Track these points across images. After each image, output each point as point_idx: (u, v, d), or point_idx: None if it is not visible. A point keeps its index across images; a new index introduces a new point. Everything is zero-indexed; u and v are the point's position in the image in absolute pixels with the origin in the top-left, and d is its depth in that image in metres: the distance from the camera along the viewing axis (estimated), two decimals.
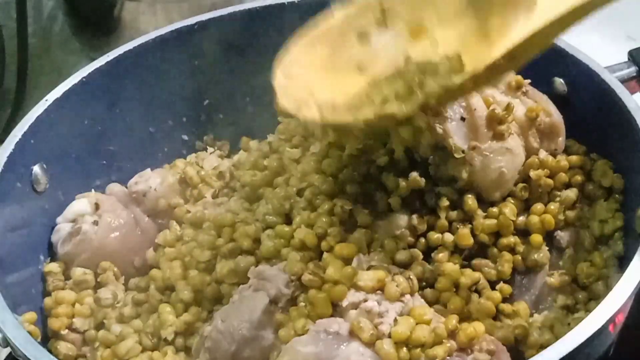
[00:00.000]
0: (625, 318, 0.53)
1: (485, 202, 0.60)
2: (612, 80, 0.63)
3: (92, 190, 0.71)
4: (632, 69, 0.70)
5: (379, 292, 0.54)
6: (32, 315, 0.59)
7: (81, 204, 0.67)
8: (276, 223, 0.61)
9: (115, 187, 0.71)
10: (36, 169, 0.65)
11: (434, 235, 0.59)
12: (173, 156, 0.78)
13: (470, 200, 0.59)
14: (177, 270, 0.62)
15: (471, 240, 0.59)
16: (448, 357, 0.51)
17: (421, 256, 0.58)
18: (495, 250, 0.60)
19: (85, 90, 0.70)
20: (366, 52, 0.59)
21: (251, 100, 0.80)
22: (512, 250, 0.60)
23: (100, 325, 0.63)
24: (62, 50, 1.07)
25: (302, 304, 0.55)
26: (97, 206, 0.67)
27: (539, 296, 0.60)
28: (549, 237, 0.61)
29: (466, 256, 0.60)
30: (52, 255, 0.66)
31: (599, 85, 0.63)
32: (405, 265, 0.57)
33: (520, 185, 0.61)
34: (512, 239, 0.59)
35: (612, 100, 0.62)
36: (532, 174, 0.61)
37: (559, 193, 0.62)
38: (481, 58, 0.50)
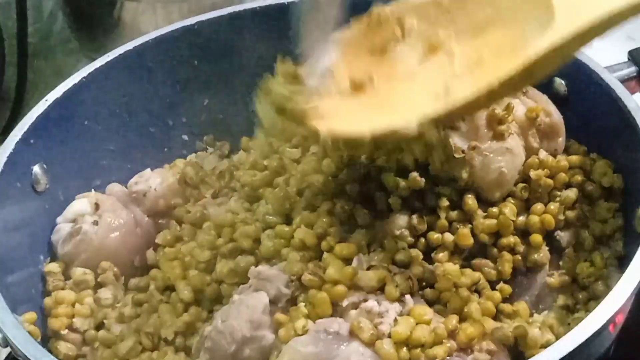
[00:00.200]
0: (625, 318, 0.53)
1: (485, 202, 0.60)
2: (612, 80, 0.63)
3: (92, 190, 0.71)
4: (632, 69, 0.69)
5: (379, 292, 0.54)
6: (32, 315, 0.59)
7: (81, 204, 0.67)
8: (276, 223, 0.61)
9: (115, 187, 0.71)
10: (36, 169, 0.65)
11: (434, 235, 0.59)
12: (173, 156, 0.78)
13: (470, 200, 0.59)
14: (177, 270, 0.62)
15: (471, 240, 0.59)
16: (448, 357, 0.51)
17: (421, 256, 0.58)
18: (495, 250, 0.60)
19: (85, 90, 0.70)
20: (380, 65, 0.58)
21: (251, 100, 0.80)
22: (512, 250, 0.60)
23: (100, 325, 0.63)
24: (62, 50, 1.07)
25: (302, 304, 0.55)
26: (97, 206, 0.67)
27: (539, 296, 0.60)
28: (549, 237, 0.61)
29: (466, 256, 0.60)
30: (52, 255, 0.66)
31: (599, 85, 0.63)
32: (405, 265, 0.57)
33: (520, 185, 0.61)
34: (512, 239, 0.59)
35: (612, 100, 0.62)
36: (532, 174, 0.61)
37: (559, 193, 0.62)
38: (497, 74, 0.50)
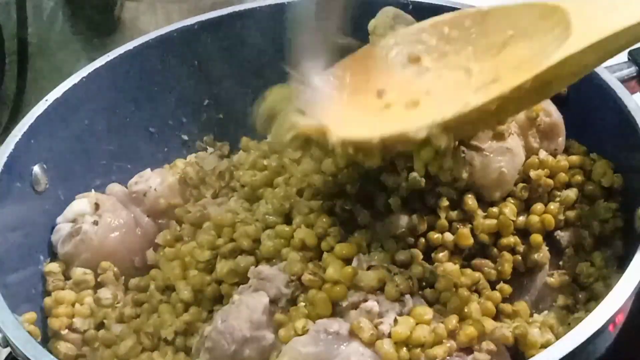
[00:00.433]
0: (625, 318, 0.53)
1: (485, 202, 0.60)
2: (612, 80, 0.63)
3: (92, 190, 0.71)
4: (632, 69, 0.70)
5: (379, 292, 0.54)
6: (32, 315, 0.59)
7: (81, 204, 0.67)
8: (276, 223, 0.61)
9: (115, 187, 0.71)
10: (36, 169, 0.65)
11: (434, 235, 0.59)
12: (173, 156, 0.78)
13: (470, 200, 0.59)
14: (177, 270, 0.62)
15: (471, 240, 0.59)
16: (448, 357, 0.51)
17: (421, 256, 0.58)
18: (495, 250, 0.60)
19: (85, 90, 0.70)
20: (389, 81, 0.58)
21: (251, 100, 0.80)
22: (512, 250, 0.60)
23: (100, 325, 0.63)
24: (62, 50, 1.07)
25: (302, 304, 0.55)
26: (97, 206, 0.67)
27: (539, 296, 0.60)
28: (549, 237, 0.61)
29: (466, 256, 0.60)
30: (52, 255, 0.66)
31: (599, 85, 0.63)
32: (405, 265, 0.57)
33: (520, 185, 0.61)
34: (512, 239, 0.59)
35: (612, 100, 0.62)
36: (532, 174, 0.61)
37: (559, 193, 0.62)
38: (510, 84, 0.50)
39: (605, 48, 0.48)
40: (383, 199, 0.60)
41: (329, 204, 0.60)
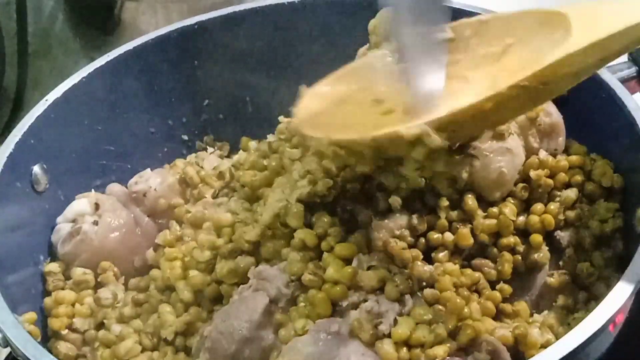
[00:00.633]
0: (625, 318, 0.53)
1: (485, 202, 0.60)
2: (612, 81, 0.63)
3: (92, 190, 0.71)
4: (632, 69, 0.70)
5: (379, 292, 0.54)
6: (32, 315, 0.59)
7: (81, 204, 0.67)
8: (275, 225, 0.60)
9: (115, 187, 0.71)
10: (36, 169, 0.65)
11: (434, 235, 0.59)
12: (173, 156, 0.78)
13: (470, 200, 0.59)
14: (177, 271, 0.62)
15: (471, 240, 0.59)
16: (448, 357, 0.51)
17: (421, 256, 0.58)
18: (495, 250, 0.60)
19: (85, 90, 0.70)
20: (387, 90, 0.57)
21: (251, 100, 0.80)
22: (512, 250, 0.60)
23: (100, 325, 0.63)
24: (62, 50, 1.07)
25: (302, 304, 0.55)
26: (97, 206, 0.67)
27: (539, 296, 0.60)
28: (549, 237, 0.61)
29: (466, 256, 0.60)
30: (52, 255, 0.66)
31: (599, 86, 0.63)
32: (405, 265, 0.57)
33: (520, 185, 0.61)
34: (512, 239, 0.59)
35: (612, 100, 0.62)
36: (532, 174, 0.61)
37: (559, 193, 0.62)
38: (506, 82, 0.49)
39: (606, 48, 0.48)
40: (383, 199, 0.60)
41: (329, 204, 0.60)
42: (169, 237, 0.67)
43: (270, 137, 0.73)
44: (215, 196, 0.71)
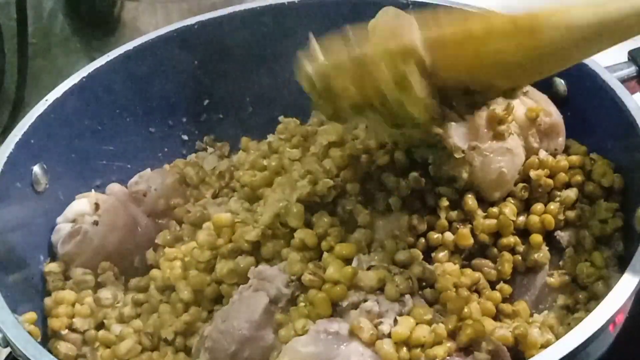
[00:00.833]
0: (625, 318, 0.53)
1: (485, 202, 0.60)
2: (612, 80, 0.63)
3: (92, 190, 0.71)
4: (632, 69, 0.69)
5: (379, 292, 0.54)
6: (32, 315, 0.59)
7: (81, 204, 0.67)
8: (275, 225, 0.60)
9: (115, 187, 0.71)
10: (36, 169, 0.65)
11: (434, 235, 0.59)
12: (173, 156, 0.78)
13: (470, 200, 0.59)
14: (177, 271, 0.62)
15: (471, 240, 0.59)
16: (448, 357, 0.51)
17: (421, 256, 0.58)
18: (495, 250, 0.60)
19: (85, 90, 0.70)
20: None
21: (251, 100, 0.80)
22: (512, 250, 0.60)
23: (100, 326, 0.63)
24: (62, 50, 1.07)
25: (302, 304, 0.55)
26: (97, 206, 0.67)
27: (539, 296, 0.59)
28: (549, 237, 0.61)
29: (466, 256, 0.60)
30: (52, 255, 0.66)
31: (599, 85, 0.63)
32: (405, 265, 0.57)
33: (520, 185, 0.61)
34: (512, 239, 0.59)
35: (612, 100, 0.62)
36: (532, 174, 0.61)
37: (559, 193, 0.62)
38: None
39: (606, 28, 0.48)
40: (383, 199, 0.60)
41: (329, 204, 0.60)
42: (168, 237, 0.67)
43: (270, 137, 0.73)
44: (215, 196, 0.71)
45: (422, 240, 0.59)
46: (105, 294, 0.64)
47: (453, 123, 0.58)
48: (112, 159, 0.74)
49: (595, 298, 0.58)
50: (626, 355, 0.60)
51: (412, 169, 0.60)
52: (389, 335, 0.51)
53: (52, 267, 0.65)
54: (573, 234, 0.61)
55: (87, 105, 0.71)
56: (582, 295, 0.59)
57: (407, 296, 0.54)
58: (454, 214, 0.60)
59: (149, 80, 0.75)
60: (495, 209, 0.60)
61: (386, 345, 0.51)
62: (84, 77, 0.70)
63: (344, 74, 0.53)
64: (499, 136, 0.60)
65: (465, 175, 0.59)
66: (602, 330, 0.48)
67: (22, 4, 0.99)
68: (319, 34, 0.78)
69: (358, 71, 0.53)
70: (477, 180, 0.60)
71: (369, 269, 0.55)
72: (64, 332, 0.61)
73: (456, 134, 0.59)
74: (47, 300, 0.63)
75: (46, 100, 0.68)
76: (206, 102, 0.79)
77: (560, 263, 0.60)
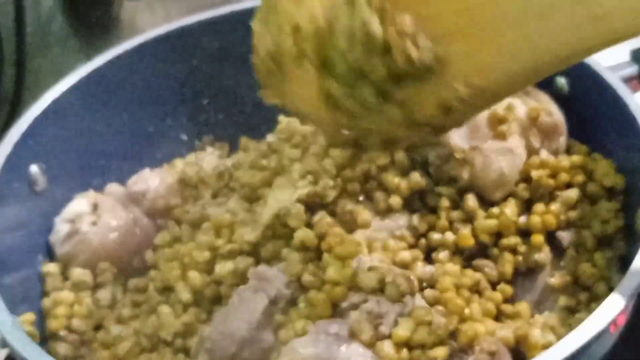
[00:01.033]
0: (627, 319, 0.53)
1: (486, 202, 0.60)
2: (615, 80, 0.63)
3: (91, 190, 0.71)
4: (635, 68, 0.70)
5: (379, 293, 0.54)
6: (30, 316, 0.59)
7: (80, 204, 0.67)
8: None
9: (114, 187, 0.71)
10: (34, 168, 0.65)
11: (435, 236, 0.59)
12: (172, 156, 0.77)
13: (471, 201, 0.59)
14: (176, 271, 0.62)
15: (472, 241, 0.59)
16: (449, 358, 0.51)
17: (422, 256, 0.58)
18: (496, 250, 0.60)
19: (83, 90, 0.70)
20: None
21: (251, 100, 0.80)
22: (513, 250, 0.59)
23: (98, 326, 0.63)
24: (60, 49, 1.07)
25: (302, 305, 0.55)
26: (95, 206, 0.67)
27: (540, 297, 0.59)
28: (550, 238, 0.60)
29: (467, 257, 0.60)
30: (50, 255, 0.66)
31: (601, 85, 0.63)
32: (406, 266, 0.57)
33: (521, 185, 0.61)
34: (513, 239, 0.59)
35: (614, 99, 0.62)
36: (534, 174, 0.61)
37: (560, 193, 0.61)
38: None
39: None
40: (383, 199, 0.60)
41: (329, 204, 0.59)
42: (167, 237, 0.67)
43: (270, 137, 0.73)
44: (214, 196, 0.71)
45: (423, 240, 0.59)
46: (104, 294, 0.64)
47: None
48: (110, 158, 0.73)
49: (596, 299, 0.58)
50: (628, 356, 0.60)
51: (412, 169, 0.59)
52: (389, 337, 0.51)
53: (51, 267, 0.64)
54: (574, 235, 0.61)
55: (85, 105, 0.70)
56: (583, 295, 0.59)
57: (408, 297, 0.54)
58: (454, 214, 0.60)
59: (148, 80, 0.75)
60: (496, 209, 0.60)
61: (386, 347, 0.50)
62: (82, 77, 0.70)
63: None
64: (499, 136, 0.60)
65: (465, 175, 0.59)
66: (603, 331, 0.48)
67: (20, 3, 0.99)
68: None
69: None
70: (477, 180, 0.59)
71: (369, 269, 0.55)
72: (63, 333, 0.61)
73: (456, 134, 0.59)
74: (46, 301, 0.63)
75: (44, 100, 0.68)
76: (205, 101, 0.79)
77: (562, 263, 0.60)
